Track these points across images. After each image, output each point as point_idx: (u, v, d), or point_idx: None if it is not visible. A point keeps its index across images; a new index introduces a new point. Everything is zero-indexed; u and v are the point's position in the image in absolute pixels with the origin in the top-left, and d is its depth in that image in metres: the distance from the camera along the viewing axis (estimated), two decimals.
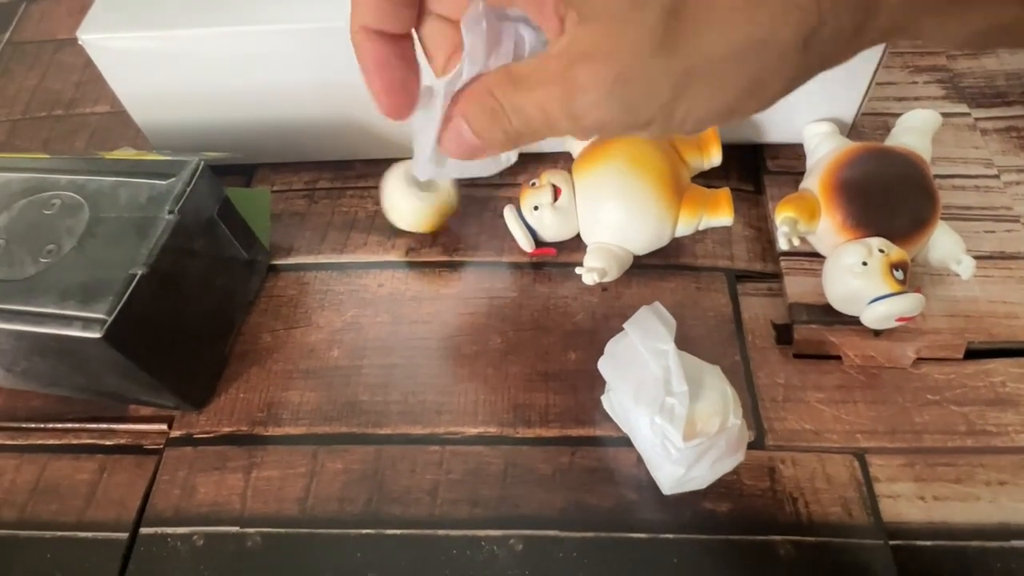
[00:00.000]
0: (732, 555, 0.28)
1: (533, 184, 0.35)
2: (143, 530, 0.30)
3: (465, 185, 0.40)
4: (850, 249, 0.31)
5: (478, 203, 0.39)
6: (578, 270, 0.34)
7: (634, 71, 0.18)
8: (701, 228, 0.34)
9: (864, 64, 0.34)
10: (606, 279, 0.34)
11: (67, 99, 0.47)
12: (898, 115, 0.36)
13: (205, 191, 0.31)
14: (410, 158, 0.27)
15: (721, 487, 0.29)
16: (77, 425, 0.33)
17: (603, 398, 0.31)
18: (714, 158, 0.36)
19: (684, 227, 0.34)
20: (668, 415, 0.26)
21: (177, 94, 0.38)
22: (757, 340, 0.33)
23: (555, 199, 0.34)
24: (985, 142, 0.39)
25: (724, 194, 0.34)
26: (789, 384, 0.32)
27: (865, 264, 0.30)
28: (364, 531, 0.29)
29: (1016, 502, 0.29)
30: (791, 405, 0.32)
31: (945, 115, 0.40)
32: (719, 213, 0.33)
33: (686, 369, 0.27)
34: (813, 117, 0.37)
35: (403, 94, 0.22)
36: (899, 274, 0.30)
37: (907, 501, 0.29)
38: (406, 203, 0.35)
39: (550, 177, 0.35)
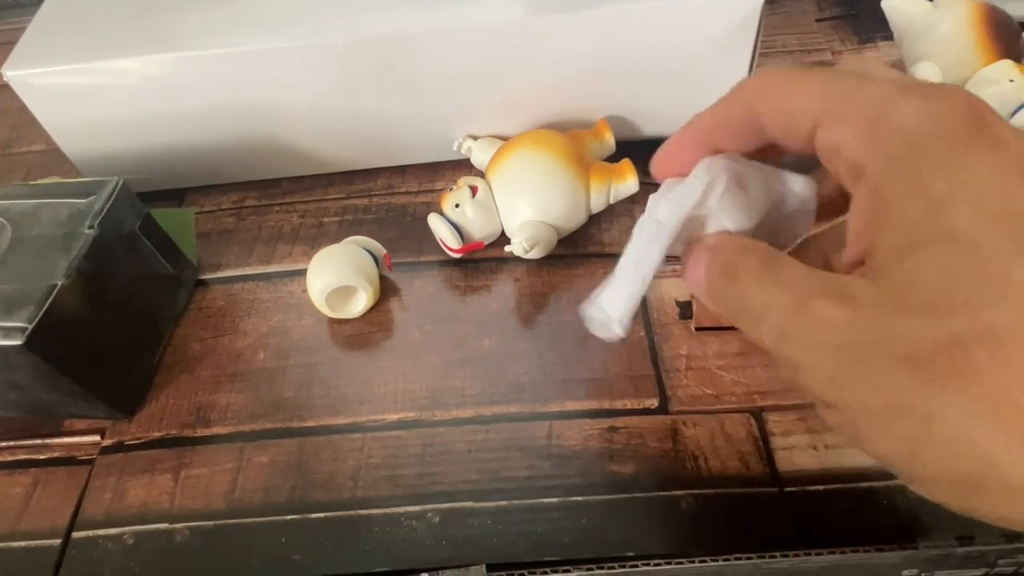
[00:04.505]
0: (637, 511, 0.29)
1: (451, 189, 0.37)
2: (75, 534, 0.31)
3: (383, 193, 0.42)
4: None
5: (397, 210, 0.41)
6: (507, 248, 0.36)
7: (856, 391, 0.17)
8: (612, 200, 0.37)
9: (739, 58, 0.38)
10: (535, 252, 0.36)
11: (2, 140, 0.49)
12: None
13: (125, 207, 0.33)
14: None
15: (627, 451, 0.31)
16: (12, 443, 0.34)
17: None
18: (608, 142, 0.39)
19: (596, 197, 0.37)
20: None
21: (105, 124, 0.40)
22: (661, 317, 0.36)
23: (473, 196, 0.36)
24: None
25: (626, 162, 0.37)
26: (691, 355, 0.34)
27: None
28: (289, 517, 0.30)
29: None
30: (693, 373, 0.34)
31: None
32: (625, 178, 0.37)
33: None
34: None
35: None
36: None
37: (800, 451, 0.31)
38: (339, 314, 0.37)
39: (466, 180, 0.37)
